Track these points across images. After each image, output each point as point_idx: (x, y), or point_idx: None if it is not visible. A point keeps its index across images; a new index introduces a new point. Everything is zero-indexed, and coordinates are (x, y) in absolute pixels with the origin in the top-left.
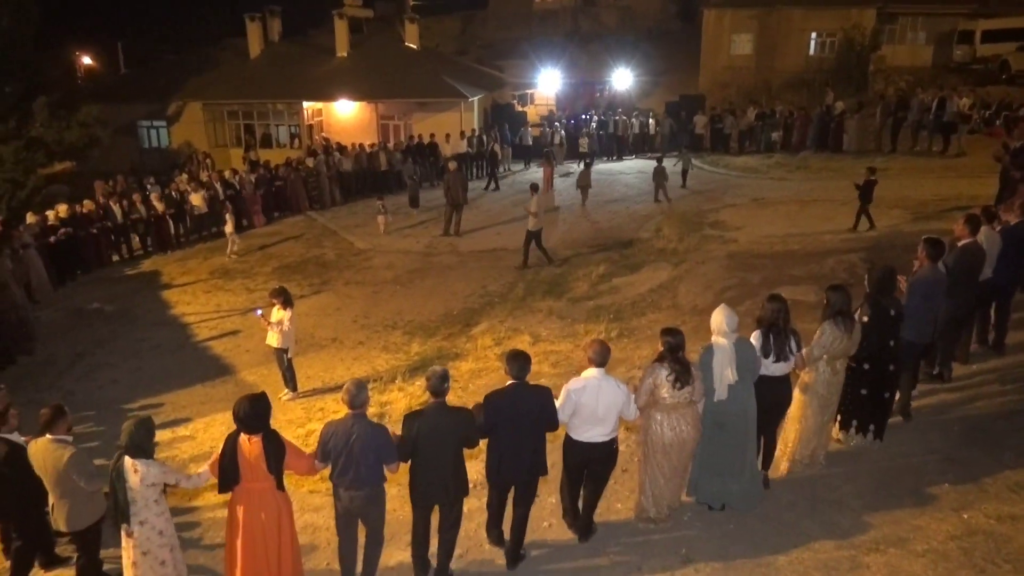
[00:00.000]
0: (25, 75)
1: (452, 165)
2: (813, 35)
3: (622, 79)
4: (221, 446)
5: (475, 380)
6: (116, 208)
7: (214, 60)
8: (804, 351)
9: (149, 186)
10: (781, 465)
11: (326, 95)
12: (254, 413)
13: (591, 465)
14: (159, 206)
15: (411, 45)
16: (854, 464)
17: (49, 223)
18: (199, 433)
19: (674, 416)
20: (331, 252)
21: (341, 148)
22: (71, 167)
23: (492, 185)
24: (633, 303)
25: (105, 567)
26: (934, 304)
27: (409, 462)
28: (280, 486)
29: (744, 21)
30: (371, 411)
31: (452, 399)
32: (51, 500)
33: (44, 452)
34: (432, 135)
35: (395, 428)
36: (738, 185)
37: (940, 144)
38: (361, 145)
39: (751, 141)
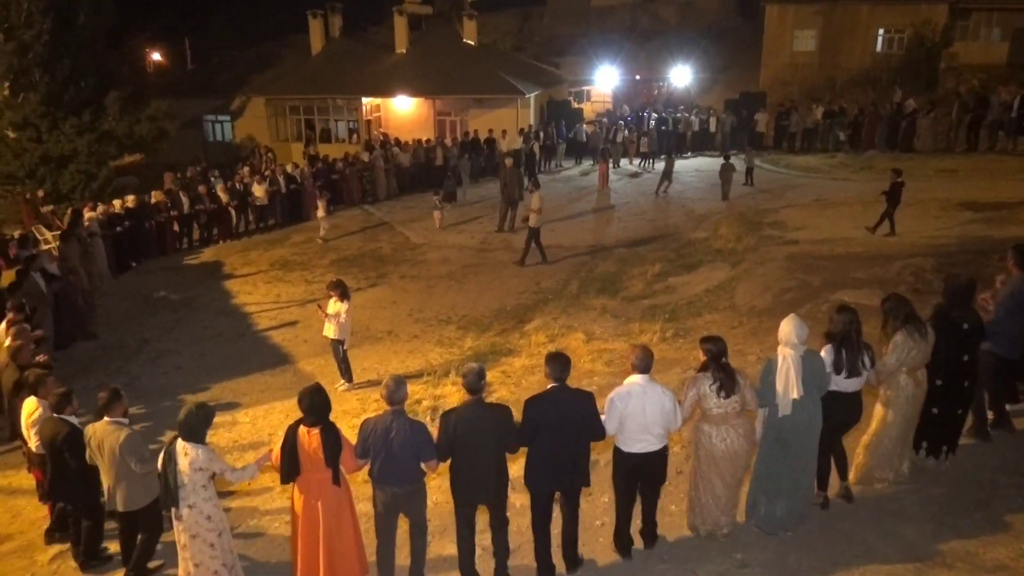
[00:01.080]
0: (100, 71)
1: (509, 161)
2: (880, 31)
3: (681, 76)
4: (282, 438)
5: (528, 376)
6: (184, 198)
7: (277, 56)
8: (877, 366)
9: (213, 178)
10: (851, 476)
11: (385, 91)
12: (313, 406)
13: (643, 476)
14: (223, 197)
15: (469, 41)
16: (920, 475)
17: (114, 212)
18: (258, 420)
19: (723, 428)
20: (387, 246)
21: (398, 143)
22: (139, 159)
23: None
24: (689, 303)
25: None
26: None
27: (449, 461)
28: (336, 480)
29: (808, 17)
30: (425, 404)
31: (505, 395)
32: (107, 482)
33: (101, 434)
34: (490, 131)
35: None
36: (800, 185)
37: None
38: (418, 140)
39: (817, 139)
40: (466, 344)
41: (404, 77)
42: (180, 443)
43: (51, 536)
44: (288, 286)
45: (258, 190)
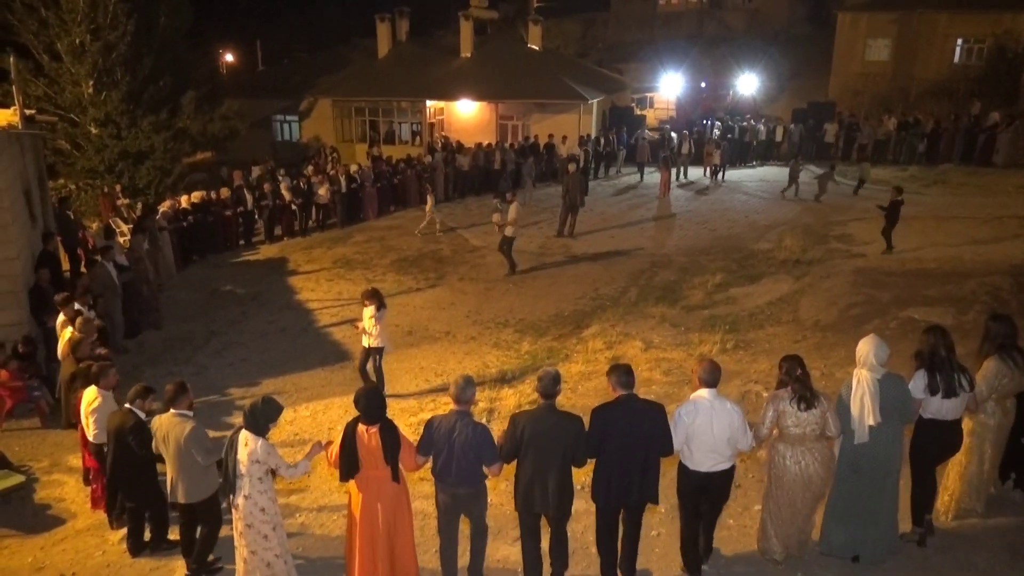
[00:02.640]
0: (177, 71)
1: (572, 167)
2: (959, 41)
3: (747, 84)
4: (340, 436)
5: (584, 383)
6: (248, 195)
7: (344, 59)
8: (975, 390)
9: (280, 176)
10: (944, 516)
11: (449, 94)
12: (369, 406)
13: (706, 495)
14: (287, 195)
15: (533, 47)
16: (993, 500)
17: (180, 207)
18: (318, 414)
19: (799, 449)
20: (447, 248)
21: (460, 147)
22: (210, 157)
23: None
24: (751, 315)
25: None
26: None
27: (514, 465)
28: (396, 477)
29: (882, 25)
30: (480, 406)
31: (561, 401)
32: (170, 473)
33: (167, 426)
34: (550, 136)
35: (503, 425)
36: (869, 198)
37: None
38: (478, 144)
39: (888, 151)
40: (523, 348)
41: (468, 81)
42: (243, 433)
43: (119, 520)
44: (349, 284)
45: (322, 190)
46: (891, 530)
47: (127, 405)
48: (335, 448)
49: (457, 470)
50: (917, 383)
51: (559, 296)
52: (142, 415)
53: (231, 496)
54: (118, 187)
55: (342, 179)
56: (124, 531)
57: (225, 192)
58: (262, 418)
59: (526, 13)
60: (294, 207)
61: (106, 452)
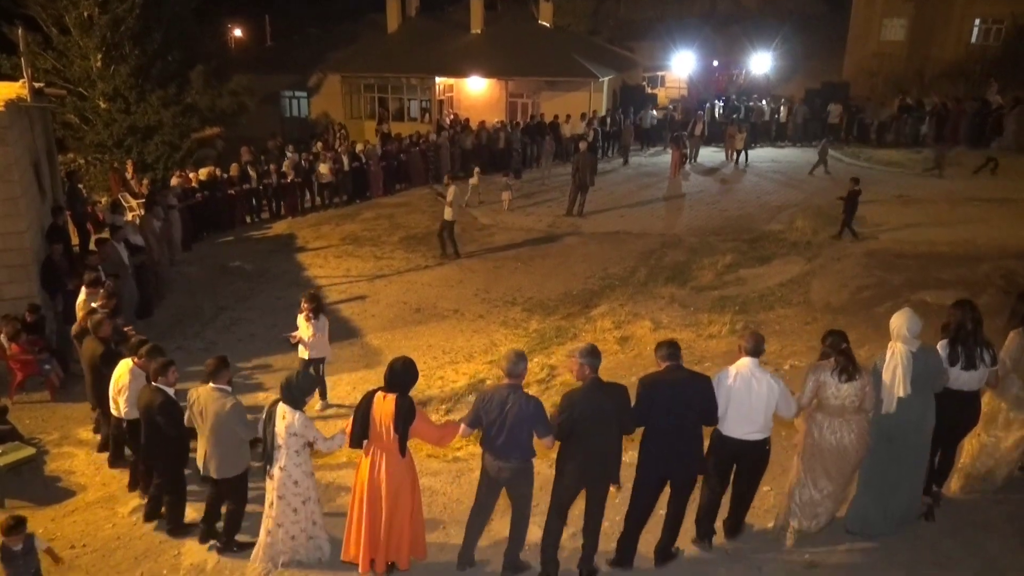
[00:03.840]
0: (186, 45)
1: (583, 145)
2: (977, 21)
3: (760, 63)
4: (359, 401)
5: None
6: (252, 172)
7: (354, 34)
8: (999, 364)
9: (289, 153)
10: (953, 483)
11: (458, 71)
12: (402, 372)
13: (740, 465)
14: (290, 173)
15: (544, 23)
16: (1005, 486)
17: (190, 185)
18: (328, 390)
19: (837, 421)
20: (456, 225)
21: (467, 125)
22: (219, 132)
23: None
24: (761, 296)
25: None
26: None
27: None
28: (402, 450)
29: (898, 5)
30: (488, 384)
31: (570, 379)
32: (203, 448)
33: (207, 399)
34: (555, 116)
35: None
36: (880, 180)
37: None
38: (481, 122)
39: (889, 133)
40: (531, 326)
41: (477, 58)
42: (280, 406)
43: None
44: (358, 261)
45: (323, 168)
46: (916, 499)
47: (151, 383)
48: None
49: (508, 442)
50: (941, 352)
51: (568, 275)
52: (170, 391)
53: (267, 467)
54: (129, 164)
55: (345, 157)
56: (137, 502)
57: (235, 169)
58: (298, 391)
59: None
60: (296, 185)
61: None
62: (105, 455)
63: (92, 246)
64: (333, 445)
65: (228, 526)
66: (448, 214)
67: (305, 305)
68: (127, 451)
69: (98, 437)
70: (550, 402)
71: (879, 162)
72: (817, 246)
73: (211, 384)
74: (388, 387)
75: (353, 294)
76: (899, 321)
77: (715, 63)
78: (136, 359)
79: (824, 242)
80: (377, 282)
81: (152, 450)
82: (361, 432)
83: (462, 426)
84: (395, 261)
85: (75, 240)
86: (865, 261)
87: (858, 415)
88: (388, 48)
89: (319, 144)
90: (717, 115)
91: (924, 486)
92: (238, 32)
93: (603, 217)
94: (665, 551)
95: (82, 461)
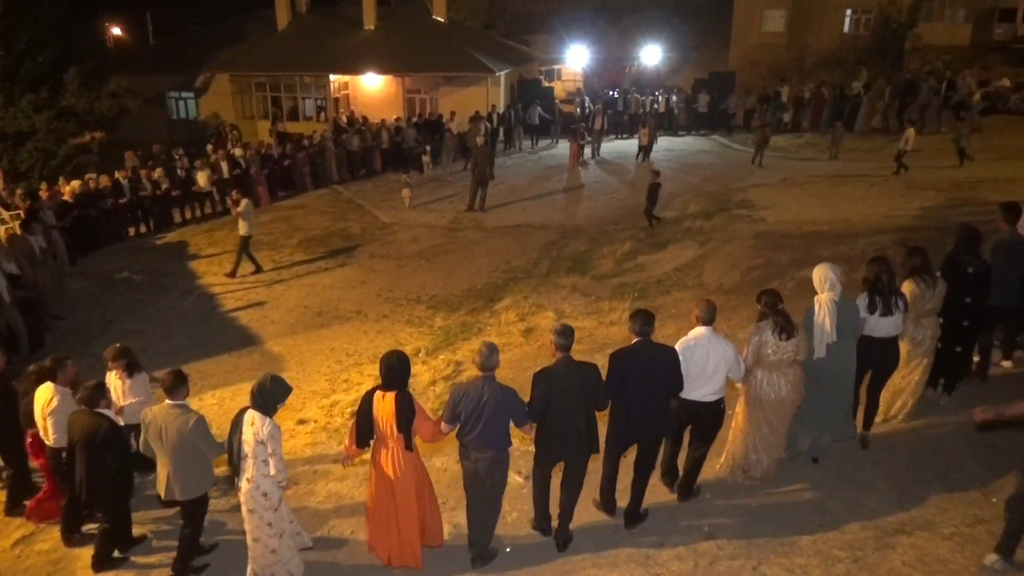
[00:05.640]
0: (58, 45)
1: (480, 140)
2: (848, 12)
3: (651, 55)
4: (359, 403)
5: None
6: (124, 183)
7: (242, 32)
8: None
9: (177, 157)
10: (897, 419)
11: (353, 68)
12: (397, 367)
13: (698, 424)
14: (164, 184)
15: (438, 18)
16: (883, 446)
17: (63, 199)
18: (225, 401)
19: (774, 374)
20: (356, 225)
21: (365, 122)
22: (101, 137)
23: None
24: (658, 281)
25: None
26: (1017, 267)
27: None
28: (409, 446)
29: None
30: None
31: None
32: (164, 471)
33: (165, 418)
34: (440, 114)
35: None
36: (768, 166)
37: (950, 123)
38: (364, 118)
39: (753, 121)
40: (436, 323)
41: (372, 54)
42: (249, 412)
43: (70, 539)
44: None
45: (201, 177)
46: (848, 426)
47: (87, 408)
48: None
49: (487, 434)
50: (860, 303)
51: (472, 270)
52: (115, 418)
53: (236, 479)
54: None
55: (224, 164)
56: (21, 533)
57: (105, 180)
58: (270, 397)
59: None
60: (171, 195)
61: (64, 458)
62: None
63: None
64: (285, 473)
65: (183, 552)
66: (243, 228)
67: (113, 363)
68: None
69: None
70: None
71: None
72: (709, 231)
73: (168, 401)
74: (385, 385)
75: (251, 300)
76: (821, 274)
77: (608, 55)
78: (55, 380)
79: (716, 226)
80: (276, 287)
81: (95, 484)
82: (367, 433)
83: (443, 425)
84: (294, 265)
85: None
86: (754, 243)
87: (792, 367)
88: (279, 45)
89: (210, 147)
90: (645, 110)
91: (853, 418)
92: (117, 30)
93: (504, 211)
94: (634, 512)
95: None
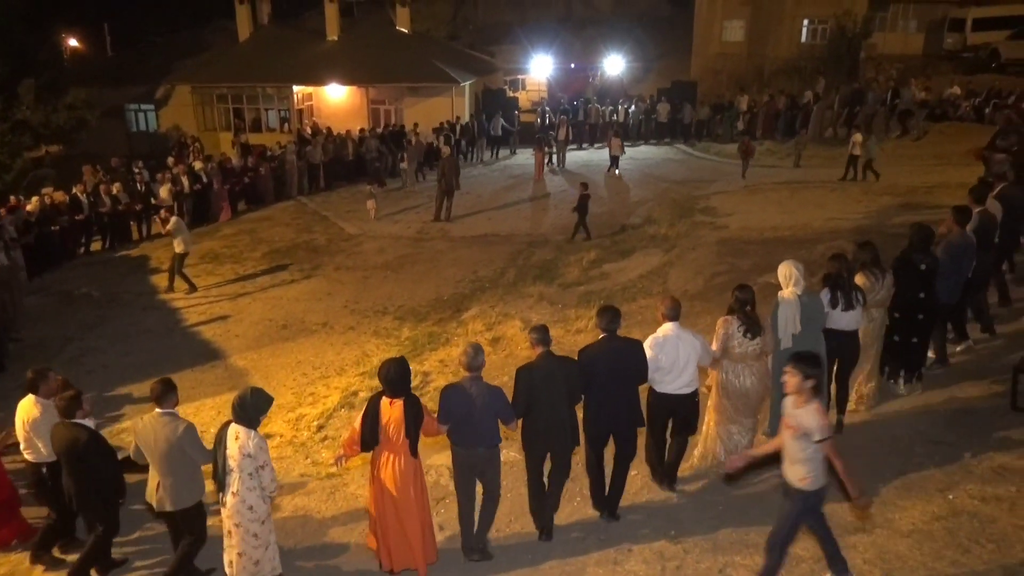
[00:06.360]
0: (12, 56)
1: (445, 150)
2: (805, 22)
3: (615, 65)
4: (363, 408)
5: None
6: (82, 199)
7: (203, 43)
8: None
9: (137, 170)
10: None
11: (316, 79)
12: (398, 377)
13: (676, 418)
14: (122, 199)
15: (402, 29)
16: (845, 446)
17: (27, 214)
18: (189, 417)
19: (740, 366)
20: (321, 237)
21: (314, 135)
22: (59, 150)
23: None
24: (624, 288)
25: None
26: (964, 267)
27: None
28: (414, 452)
29: (736, 7)
30: (361, 396)
31: (443, 384)
32: (154, 480)
33: (155, 426)
34: (402, 125)
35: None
36: (730, 172)
37: (898, 130)
38: (328, 129)
39: (706, 130)
40: (403, 334)
41: (336, 65)
42: (232, 427)
43: (39, 557)
44: (219, 279)
45: (163, 191)
46: None
47: (66, 419)
48: (357, 421)
49: (478, 432)
50: (823, 298)
51: (438, 280)
52: (91, 425)
53: (220, 494)
54: None
55: (184, 178)
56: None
57: (60, 196)
58: (252, 409)
59: None
60: (133, 210)
61: (46, 473)
62: None
63: None
64: (275, 484)
65: (182, 559)
66: (178, 246)
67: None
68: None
69: None
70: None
71: (727, 156)
72: (674, 238)
73: (157, 410)
74: (391, 393)
75: (214, 314)
76: (789, 270)
77: (572, 65)
78: (36, 394)
79: (680, 233)
80: (240, 300)
81: (85, 496)
82: (371, 438)
83: (439, 426)
84: (259, 277)
85: None
86: (717, 249)
87: (758, 361)
88: (241, 56)
89: (172, 159)
90: (613, 119)
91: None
92: (74, 41)
93: (471, 220)
94: (614, 504)
95: None
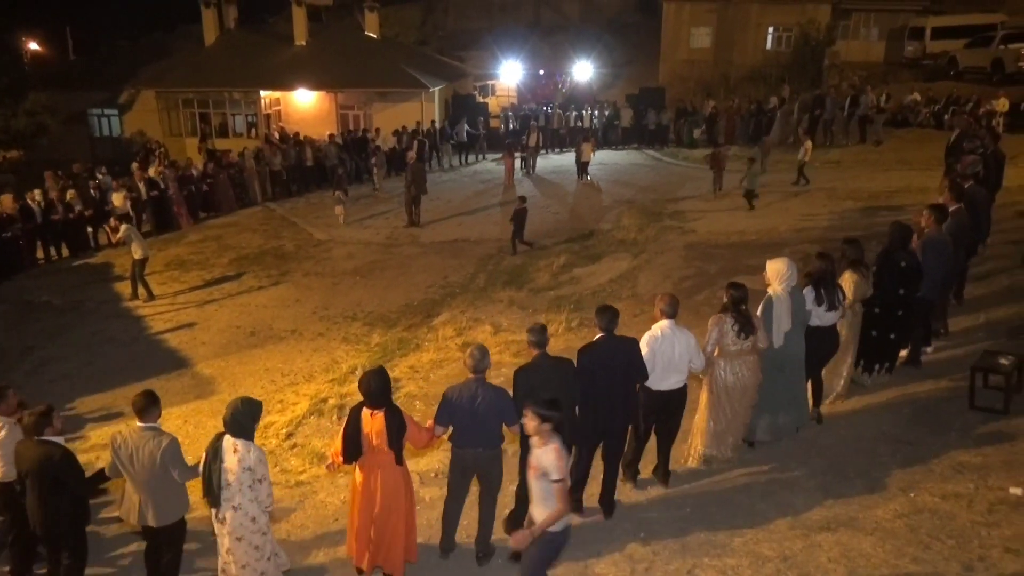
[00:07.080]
0: None
1: (412, 156)
2: (770, 29)
3: (583, 71)
4: (346, 419)
5: (436, 370)
6: (34, 206)
7: (168, 47)
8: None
9: (100, 176)
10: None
11: (284, 84)
12: (378, 389)
13: (665, 413)
14: (75, 205)
15: (371, 34)
16: (809, 447)
17: None
18: None
19: (736, 362)
20: (290, 243)
21: (283, 140)
22: (19, 156)
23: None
24: (593, 293)
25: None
26: (941, 264)
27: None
28: (399, 461)
29: (703, 14)
30: (330, 403)
31: (413, 390)
32: (135, 497)
33: (137, 440)
34: (365, 130)
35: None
36: (698, 177)
37: (857, 137)
38: (296, 135)
39: (669, 135)
40: (373, 340)
41: (304, 70)
42: (228, 439)
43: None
44: (185, 287)
45: (117, 198)
46: (803, 409)
47: (36, 437)
48: (338, 435)
49: (481, 434)
50: (807, 296)
51: (409, 286)
52: (62, 442)
53: (215, 510)
54: None
55: (141, 186)
56: None
57: (8, 202)
58: (245, 419)
59: (362, 0)
60: (86, 217)
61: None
62: None
63: None
64: (271, 499)
65: None
66: (136, 252)
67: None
68: None
69: None
70: None
71: (696, 161)
72: (643, 242)
73: (139, 424)
74: (372, 404)
75: (181, 322)
76: (781, 267)
77: (541, 71)
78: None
79: (648, 238)
80: (207, 307)
81: (55, 517)
82: (354, 451)
83: (436, 427)
84: (225, 284)
85: None
86: (685, 253)
87: (752, 354)
88: (207, 61)
89: (135, 165)
90: (589, 125)
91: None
92: (35, 45)
93: (441, 226)
94: (609, 501)
95: None
